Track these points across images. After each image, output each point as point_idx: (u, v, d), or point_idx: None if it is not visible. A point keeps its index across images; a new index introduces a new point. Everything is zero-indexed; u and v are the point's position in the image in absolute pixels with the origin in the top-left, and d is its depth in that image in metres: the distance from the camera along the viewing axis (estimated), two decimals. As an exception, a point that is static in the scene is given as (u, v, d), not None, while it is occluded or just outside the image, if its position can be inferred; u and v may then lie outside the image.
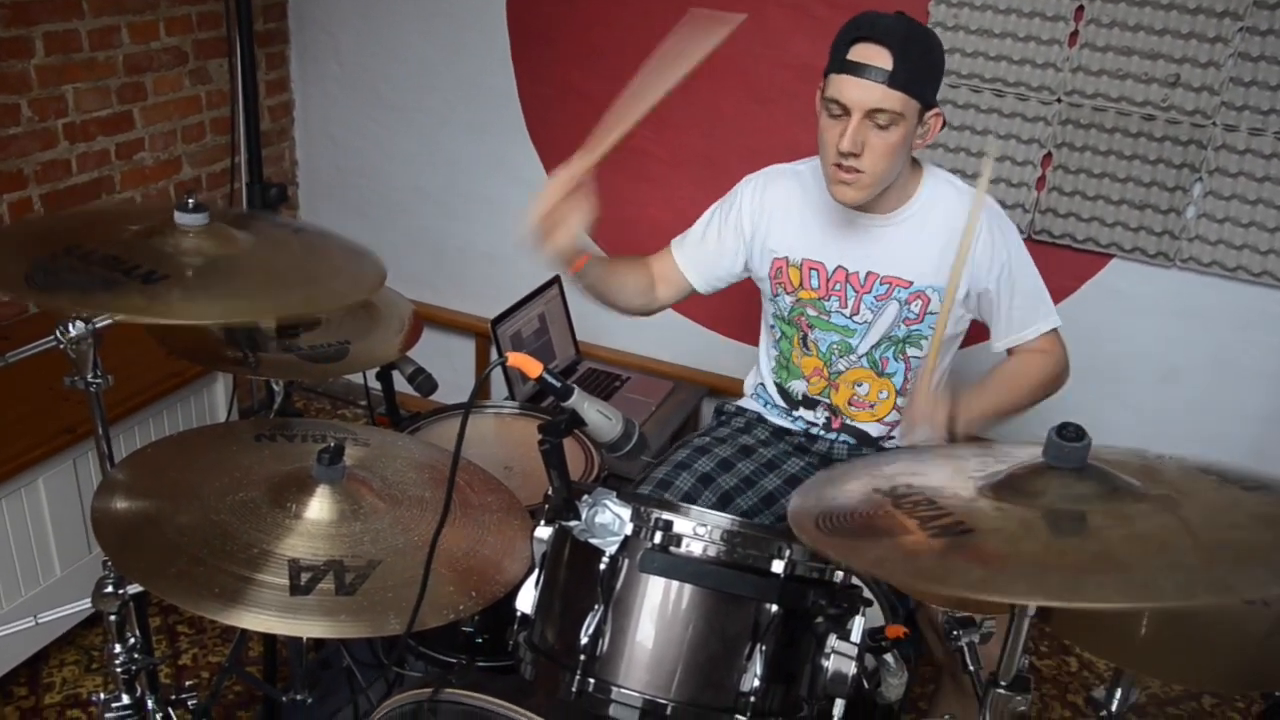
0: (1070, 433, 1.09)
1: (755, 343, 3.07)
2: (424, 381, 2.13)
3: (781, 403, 2.15)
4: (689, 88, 2.90)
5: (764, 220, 2.05)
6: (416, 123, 3.27)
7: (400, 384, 2.14)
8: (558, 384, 1.24)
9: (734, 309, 3.01)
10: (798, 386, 2.12)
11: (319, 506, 1.49)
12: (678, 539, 1.25)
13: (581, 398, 1.26)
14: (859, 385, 2.05)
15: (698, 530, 1.26)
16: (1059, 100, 2.56)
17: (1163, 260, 2.60)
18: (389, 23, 3.18)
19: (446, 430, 2.26)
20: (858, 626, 1.30)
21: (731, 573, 1.24)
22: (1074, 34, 2.51)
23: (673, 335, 3.15)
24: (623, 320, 3.16)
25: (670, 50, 1.71)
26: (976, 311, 2.01)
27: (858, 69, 1.75)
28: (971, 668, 1.40)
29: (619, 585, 1.27)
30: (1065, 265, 2.70)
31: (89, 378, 1.62)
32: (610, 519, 1.25)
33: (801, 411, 2.13)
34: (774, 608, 1.25)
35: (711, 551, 1.26)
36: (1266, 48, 2.37)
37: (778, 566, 1.25)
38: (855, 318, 2.00)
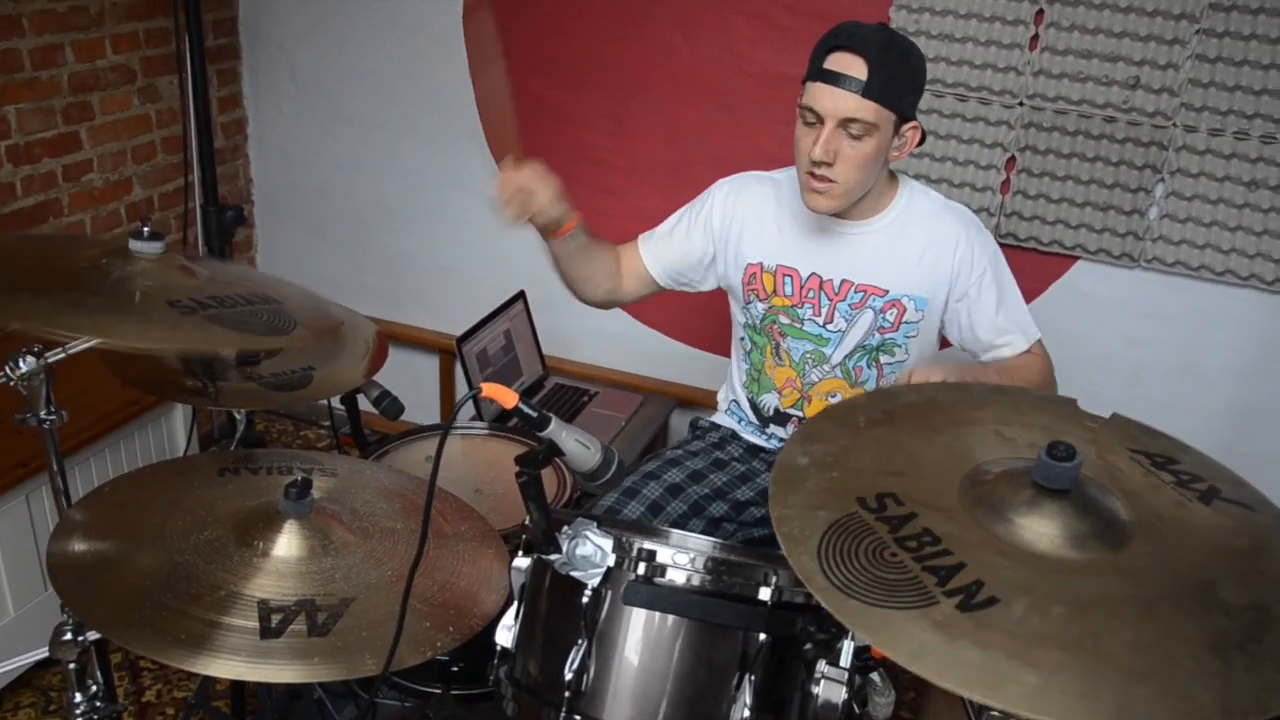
0: (1061, 452, 1.07)
1: (725, 354, 3.06)
2: (390, 405, 2.06)
3: (754, 419, 2.13)
4: (649, 96, 2.91)
5: (736, 225, 2.03)
6: (374, 137, 3.21)
7: (365, 405, 2.09)
8: (534, 414, 1.20)
9: (701, 320, 2.98)
10: (769, 400, 2.09)
11: (287, 543, 1.44)
12: (661, 569, 1.22)
13: (559, 427, 1.22)
14: (832, 396, 2.03)
15: (681, 559, 1.22)
16: (1021, 104, 2.56)
17: (1127, 261, 2.61)
18: (343, 36, 3.12)
19: (413, 454, 2.21)
20: (847, 650, 1.26)
21: (718, 602, 1.21)
22: (1034, 38, 2.51)
23: (640, 347, 3.12)
24: (589, 333, 3.14)
25: (476, 50, 1.72)
26: (954, 322, 1.98)
27: (832, 78, 1.74)
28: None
29: (602, 618, 1.24)
30: (1031, 268, 2.69)
31: (41, 414, 1.56)
32: (592, 550, 1.21)
33: (773, 429, 2.11)
34: (762, 636, 1.23)
35: (696, 581, 1.23)
36: (1223, 49, 2.38)
37: (765, 594, 1.23)
38: (829, 326, 1.98)
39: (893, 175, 1.95)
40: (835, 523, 1.07)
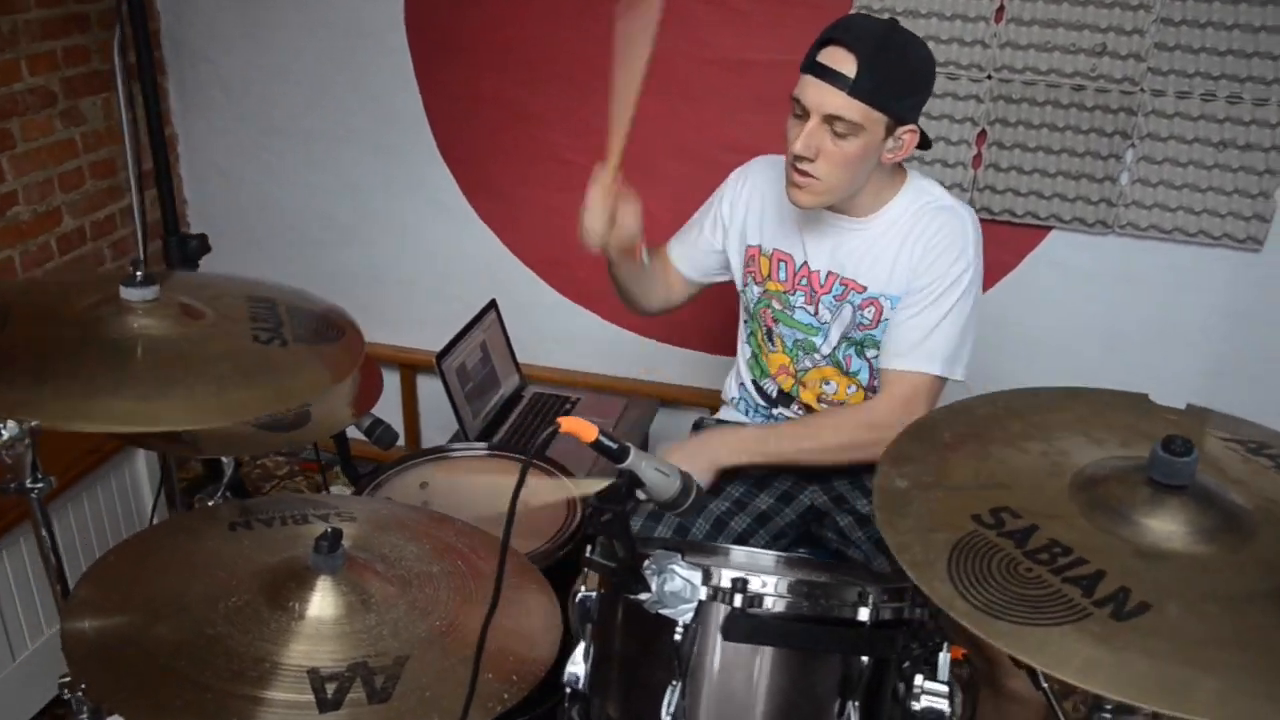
0: (1179, 446, 1.03)
1: (701, 348, 3.00)
2: (384, 434, 1.97)
3: (761, 402, 2.07)
4: (608, 90, 2.81)
5: (741, 208, 2.02)
6: (316, 149, 3.05)
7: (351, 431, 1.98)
8: (614, 446, 1.12)
9: (674, 315, 2.90)
10: (770, 385, 2.05)
11: (323, 602, 1.32)
12: (758, 599, 1.14)
13: (638, 457, 1.14)
14: (826, 384, 1.98)
15: (773, 586, 1.16)
16: (989, 77, 2.54)
17: (1101, 228, 2.61)
18: (276, 44, 2.96)
19: (408, 482, 2.09)
20: (944, 663, 1.22)
21: (819, 629, 1.15)
22: (1000, 9, 2.49)
23: (613, 348, 3.03)
24: (560, 337, 3.04)
25: (623, 42, 1.67)
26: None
27: (821, 71, 1.69)
28: (1044, 685, 1.34)
29: (695, 654, 1.16)
30: (1006, 240, 2.69)
31: (28, 483, 1.42)
32: (681, 585, 1.14)
33: (779, 409, 2.05)
34: (865, 659, 1.17)
35: (790, 608, 1.16)
36: (1187, 12, 2.39)
37: (863, 614, 1.17)
38: (817, 317, 1.94)
39: (900, 170, 1.90)
40: (958, 543, 1.01)
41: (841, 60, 1.66)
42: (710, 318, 2.91)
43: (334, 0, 2.88)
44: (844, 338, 1.93)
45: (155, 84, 2.03)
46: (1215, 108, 2.44)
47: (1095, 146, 2.54)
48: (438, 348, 2.84)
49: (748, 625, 1.13)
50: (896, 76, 1.70)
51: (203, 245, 1.98)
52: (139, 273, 1.30)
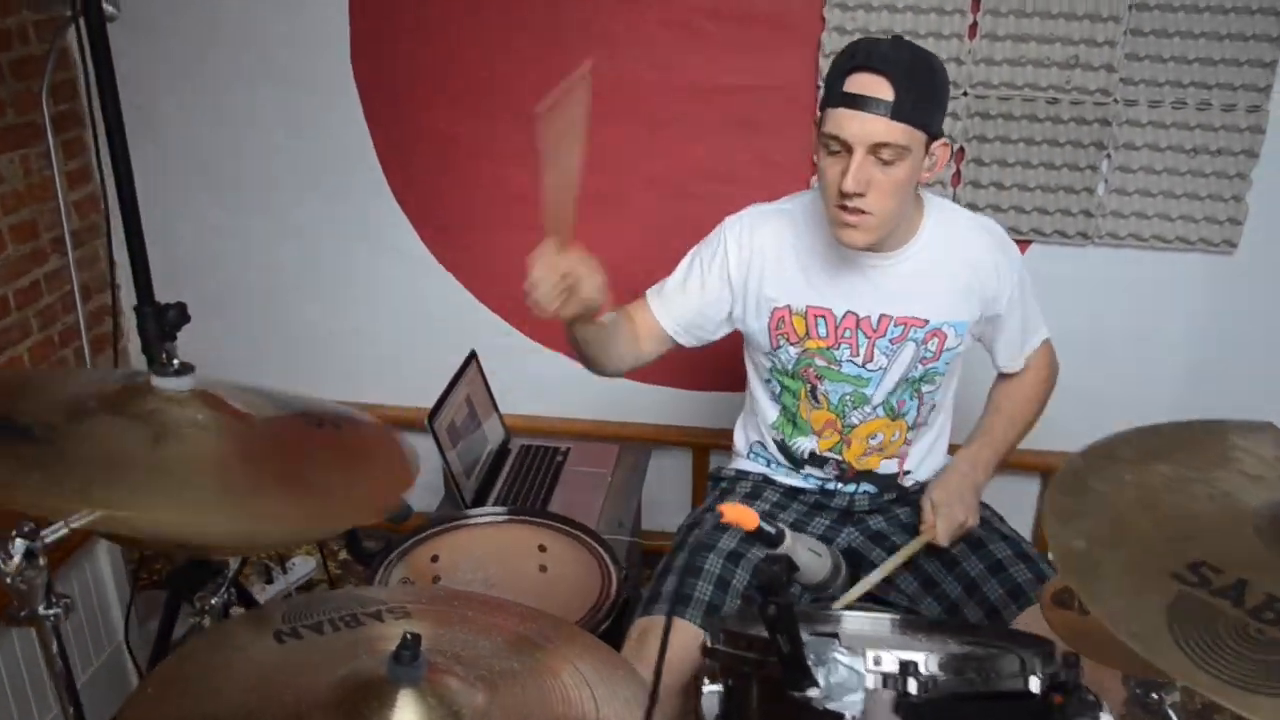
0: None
1: (678, 385, 2.90)
2: (399, 509, 1.81)
3: (786, 461, 1.98)
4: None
5: (756, 267, 1.86)
6: (259, 197, 2.86)
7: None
8: (772, 531, 1.01)
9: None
10: (804, 444, 1.94)
11: (411, 718, 1.18)
12: (932, 680, 1.05)
13: (793, 539, 1.03)
14: (872, 438, 1.91)
15: (935, 665, 1.06)
16: (965, 94, 2.53)
17: (1080, 239, 2.62)
18: (211, 87, 2.76)
19: (420, 557, 1.94)
20: (1107, 724, 1.15)
21: (1000, 706, 1.06)
22: (973, 26, 2.48)
23: (589, 392, 2.89)
24: (537, 384, 2.89)
25: (551, 140, 1.46)
26: (986, 334, 1.95)
27: (857, 101, 1.61)
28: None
29: (864, 749, 1.05)
30: (986, 257, 2.67)
31: (41, 609, 1.24)
32: (845, 675, 1.03)
33: (809, 469, 1.96)
34: (1040, 732, 1.08)
35: (954, 686, 1.07)
36: (1154, 22, 2.42)
37: (1034, 684, 1.08)
38: (869, 365, 1.85)
39: (919, 198, 1.85)
40: (1171, 608, 0.93)
41: (875, 86, 1.60)
42: (686, 354, 2.81)
43: (273, 41, 2.70)
44: (902, 379, 1.86)
45: (123, 134, 1.82)
46: (1186, 115, 2.47)
47: (1072, 158, 2.54)
48: (405, 404, 2.68)
49: (930, 711, 1.03)
50: (929, 91, 1.66)
51: (181, 315, 1.78)
52: (175, 361, 1.13)
